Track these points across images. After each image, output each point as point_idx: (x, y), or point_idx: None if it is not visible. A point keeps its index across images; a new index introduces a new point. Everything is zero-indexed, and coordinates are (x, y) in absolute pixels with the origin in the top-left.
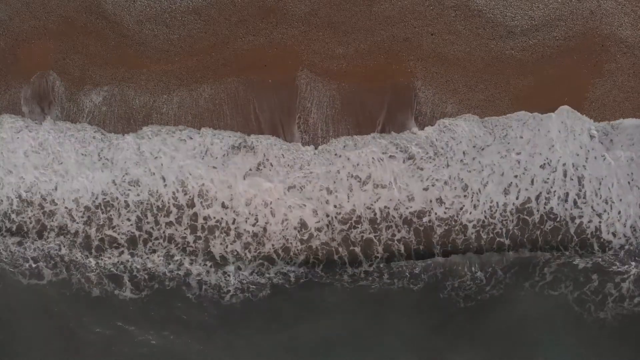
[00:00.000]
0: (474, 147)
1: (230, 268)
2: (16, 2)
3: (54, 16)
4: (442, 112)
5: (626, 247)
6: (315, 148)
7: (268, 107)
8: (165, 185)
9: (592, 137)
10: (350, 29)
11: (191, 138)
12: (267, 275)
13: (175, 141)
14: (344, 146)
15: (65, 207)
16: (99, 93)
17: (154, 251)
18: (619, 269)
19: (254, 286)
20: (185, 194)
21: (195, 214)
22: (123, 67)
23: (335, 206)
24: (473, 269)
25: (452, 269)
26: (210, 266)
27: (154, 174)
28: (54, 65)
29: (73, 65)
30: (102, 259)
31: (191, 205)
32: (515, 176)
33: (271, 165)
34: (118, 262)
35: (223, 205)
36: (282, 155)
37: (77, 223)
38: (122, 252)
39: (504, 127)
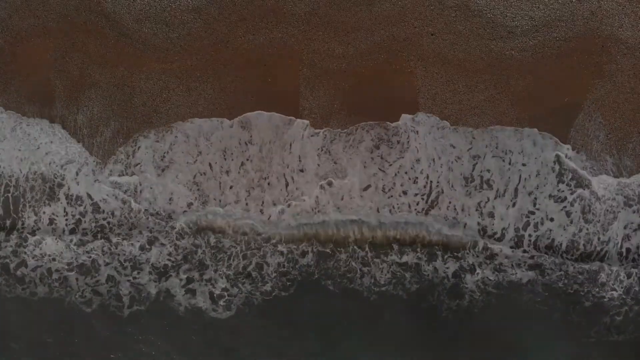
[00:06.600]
0: None
1: None
2: (15, 0)
3: (54, 14)
4: (441, 112)
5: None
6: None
7: (268, 107)
8: None
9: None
10: (350, 28)
11: None
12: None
13: None
14: None
15: None
16: (97, 92)
17: None
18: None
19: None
20: None
21: None
22: (122, 66)
23: None
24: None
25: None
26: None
27: None
28: (53, 64)
29: (72, 63)
30: None
31: None
32: None
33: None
34: None
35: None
36: None
37: None
38: None
39: None
